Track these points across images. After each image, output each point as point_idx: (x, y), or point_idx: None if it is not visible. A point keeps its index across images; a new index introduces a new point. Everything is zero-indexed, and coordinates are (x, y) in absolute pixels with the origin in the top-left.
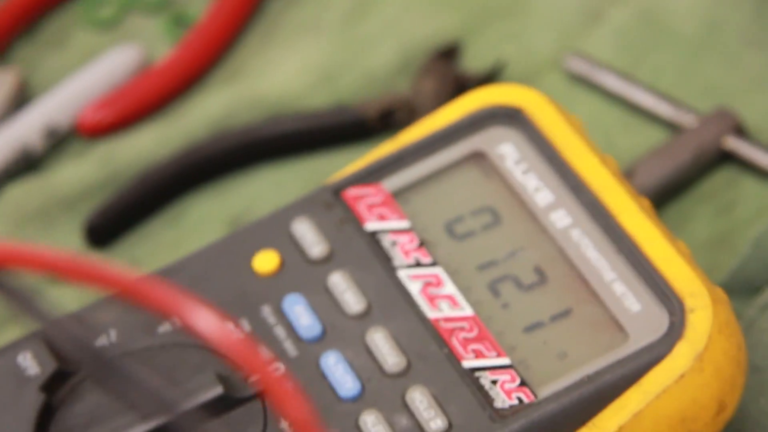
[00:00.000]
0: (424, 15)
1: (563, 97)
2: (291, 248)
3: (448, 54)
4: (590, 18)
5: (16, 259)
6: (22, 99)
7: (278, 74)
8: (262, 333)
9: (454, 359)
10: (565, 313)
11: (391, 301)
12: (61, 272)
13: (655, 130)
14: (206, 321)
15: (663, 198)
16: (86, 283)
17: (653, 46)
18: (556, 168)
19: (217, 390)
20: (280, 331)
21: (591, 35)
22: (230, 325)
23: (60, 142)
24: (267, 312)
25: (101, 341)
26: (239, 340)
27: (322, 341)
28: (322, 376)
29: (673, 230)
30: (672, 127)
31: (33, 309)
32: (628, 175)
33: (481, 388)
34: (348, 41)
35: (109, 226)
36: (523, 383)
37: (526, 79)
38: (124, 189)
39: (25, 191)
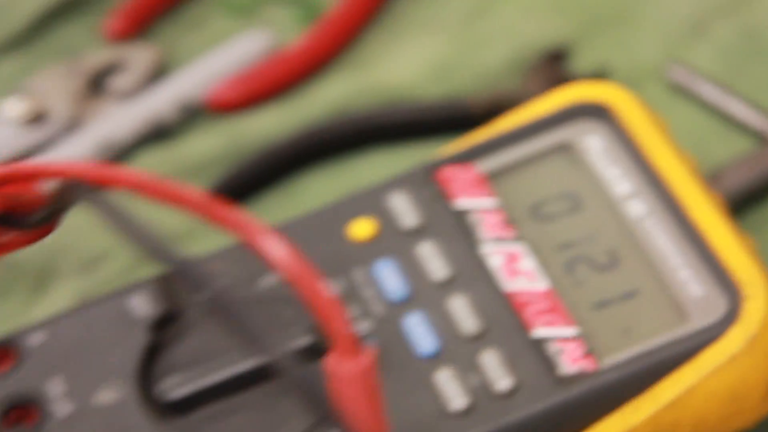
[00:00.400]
0: (538, 19)
1: (663, 104)
2: (386, 218)
3: (557, 57)
4: (695, 30)
5: (118, 180)
6: (159, 74)
7: (397, 66)
8: (350, 292)
9: (525, 327)
10: (633, 294)
11: (472, 272)
12: (157, 195)
13: (749, 141)
14: (277, 247)
15: (747, 202)
16: (177, 205)
17: (754, 61)
18: (636, 161)
19: (308, 338)
20: (367, 292)
21: (694, 47)
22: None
23: (191, 116)
24: (357, 274)
25: (210, 287)
26: (299, 262)
27: (406, 303)
28: (403, 335)
29: (755, 232)
30: (765, 139)
31: (160, 251)
32: (714, 177)
33: (548, 355)
34: (465, 39)
35: (229, 195)
36: (587, 353)
37: (630, 85)
38: (246, 162)
39: (157, 159)
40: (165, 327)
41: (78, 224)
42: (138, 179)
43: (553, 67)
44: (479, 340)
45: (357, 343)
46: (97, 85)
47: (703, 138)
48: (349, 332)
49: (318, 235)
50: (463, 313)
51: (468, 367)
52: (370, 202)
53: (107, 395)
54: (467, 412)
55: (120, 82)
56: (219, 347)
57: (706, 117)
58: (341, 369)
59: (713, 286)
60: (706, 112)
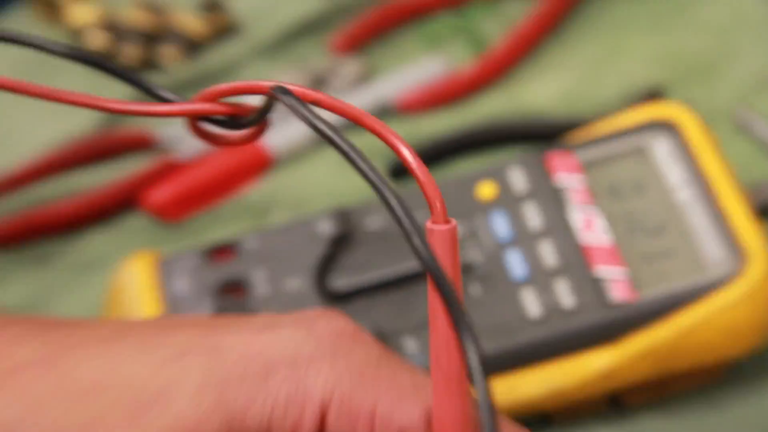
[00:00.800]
0: (644, 67)
1: (729, 139)
2: (504, 184)
3: (653, 95)
4: (763, 83)
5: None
6: (364, 81)
7: (537, 92)
8: (471, 232)
9: (589, 267)
10: (669, 252)
11: (560, 227)
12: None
13: None
14: (407, 150)
15: None
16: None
17: None
18: (689, 163)
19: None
20: (483, 233)
21: (762, 96)
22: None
23: (384, 114)
24: (478, 220)
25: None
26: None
27: (509, 243)
28: (504, 264)
29: None
30: None
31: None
32: (752, 186)
33: (602, 286)
34: (590, 77)
35: (404, 168)
36: (632, 289)
37: (706, 120)
38: (420, 147)
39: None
40: (339, 243)
41: (290, 180)
42: (333, 103)
43: (650, 102)
44: (556, 272)
45: (447, 213)
46: (317, 84)
47: (755, 168)
48: (444, 207)
49: (455, 191)
50: (547, 253)
51: (545, 290)
52: (496, 172)
53: (294, 284)
54: (540, 321)
55: (334, 84)
56: (374, 260)
57: (763, 154)
58: (438, 228)
59: (727, 252)
60: (764, 150)
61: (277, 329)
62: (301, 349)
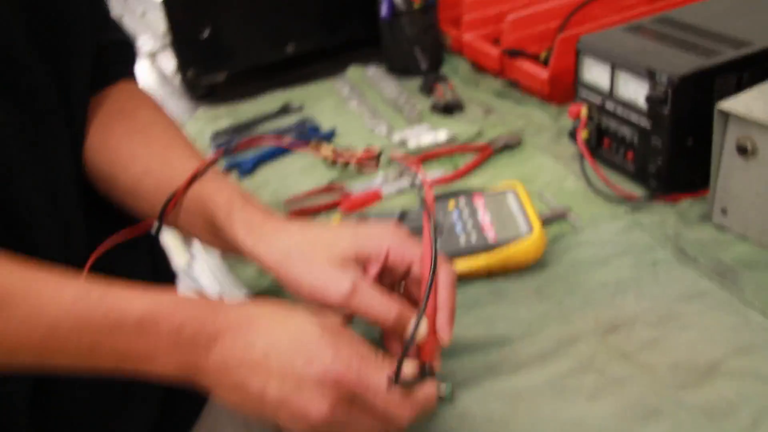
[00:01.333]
0: (509, 177)
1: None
2: (458, 201)
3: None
4: (547, 188)
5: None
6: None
7: (472, 182)
8: (444, 217)
9: (483, 230)
10: (510, 224)
11: (474, 217)
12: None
13: None
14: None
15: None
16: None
17: None
18: (518, 200)
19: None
20: (447, 218)
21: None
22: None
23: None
24: (446, 214)
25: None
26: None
27: (457, 221)
28: (454, 227)
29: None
30: None
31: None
32: (548, 212)
33: (487, 235)
34: (492, 179)
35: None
36: (496, 236)
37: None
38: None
39: None
40: (401, 218)
41: (386, 204)
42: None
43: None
44: (471, 231)
45: (434, 209)
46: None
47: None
48: (434, 208)
49: (440, 203)
50: (468, 225)
51: (466, 236)
52: (454, 196)
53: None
54: (464, 244)
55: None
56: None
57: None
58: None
59: (527, 226)
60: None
61: (375, 226)
62: (386, 231)
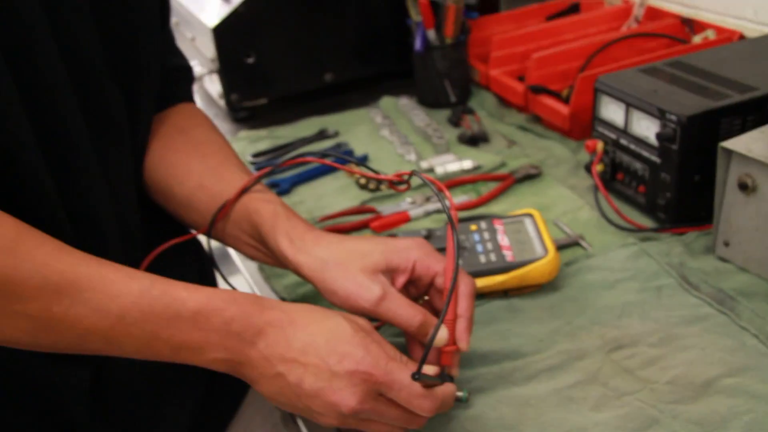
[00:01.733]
0: (527, 206)
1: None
2: (479, 225)
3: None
4: (562, 217)
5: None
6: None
7: (494, 209)
8: (466, 238)
9: (502, 250)
10: (526, 247)
11: (494, 239)
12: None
13: None
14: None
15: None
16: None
17: None
18: (535, 226)
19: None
20: (470, 239)
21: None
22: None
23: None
24: (469, 235)
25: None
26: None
27: (478, 242)
28: (475, 248)
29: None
30: None
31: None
32: (562, 239)
33: (505, 255)
34: (511, 206)
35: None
36: (513, 257)
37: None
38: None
39: None
40: (427, 237)
41: (414, 224)
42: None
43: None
44: (490, 251)
45: (458, 232)
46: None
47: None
48: (456, 230)
49: (462, 226)
50: (489, 246)
51: (487, 256)
52: (476, 221)
53: None
54: (484, 264)
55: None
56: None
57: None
58: (454, 234)
59: (543, 249)
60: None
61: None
62: (414, 245)
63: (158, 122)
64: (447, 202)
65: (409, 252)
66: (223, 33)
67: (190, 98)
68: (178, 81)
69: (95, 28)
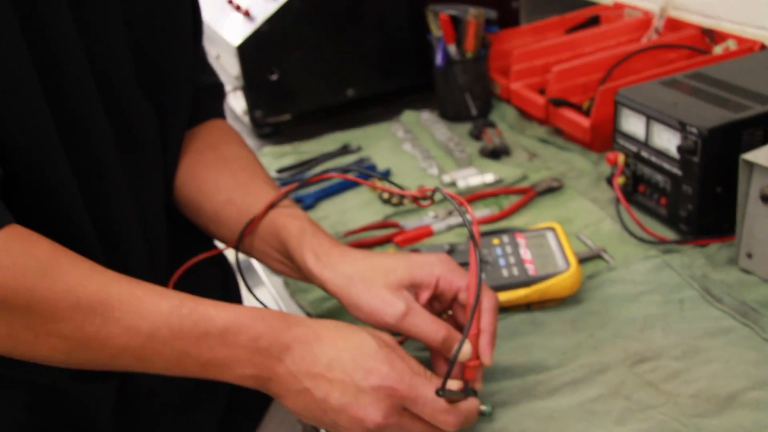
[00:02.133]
0: (548, 219)
1: (573, 240)
2: (501, 240)
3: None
4: (584, 229)
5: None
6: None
7: (515, 222)
8: (488, 252)
9: (524, 264)
10: (549, 260)
11: (516, 253)
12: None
13: None
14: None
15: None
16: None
17: None
18: (557, 239)
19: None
20: (492, 253)
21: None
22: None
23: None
24: (491, 249)
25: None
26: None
27: (501, 256)
28: (498, 261)
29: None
30: None
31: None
32: (583, 252)
33: (527, 268)
34: (533, 219)
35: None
36: (536, 270)
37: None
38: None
39: None
40: (450, 251)
41: (437, 239)
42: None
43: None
44: (513, 265)
45: (480, 247)
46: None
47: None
48: (479, 244)
49: (485, 240)
50: (511, 259)
51: (509, 270)
52: (498, 235)
53: None
54: (507, 278)
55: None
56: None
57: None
58: (477, 249)
59: (565, 262)
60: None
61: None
62: (437, 261)
63: (189, 138)
64: (469, 217)
65: (432, 268)
66: (247, 51)
67: (221, 114)
68: (210, 98)
69: (128, 47)
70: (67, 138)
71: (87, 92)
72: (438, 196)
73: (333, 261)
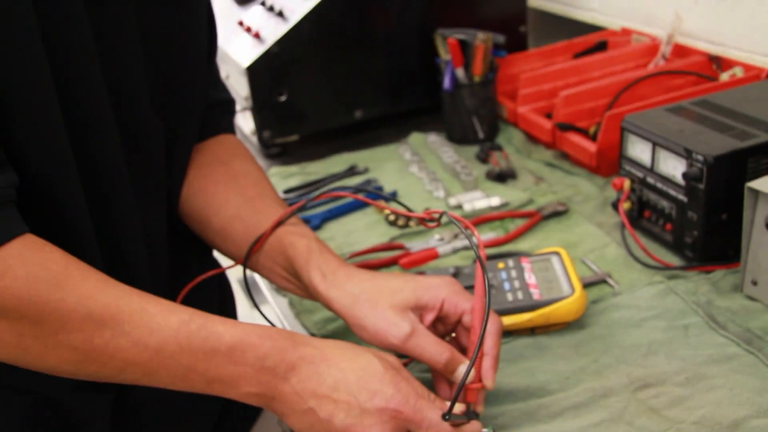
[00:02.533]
0: (555, 244)
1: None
2: (506, 264)
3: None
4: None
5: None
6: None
7: (521, 245)
8: (494, 276)
9: (528, 288)
10: (554, 285)
11: (521, 277)
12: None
13: None
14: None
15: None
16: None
17: None
18: (562, 263)
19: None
20: (497, 277)
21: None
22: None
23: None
24: (497, 272)
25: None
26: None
27: (506, 280)
28: (503, 285)
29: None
30: None
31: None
32: (588, 277)
33: (532, 293)
34: (539, 244)
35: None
36: (540, 295)
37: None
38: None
39: None
40: (455, 275)
41: (443, 261)
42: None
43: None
44: (518, 289)
45: (486, 271)
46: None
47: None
48: (485, 268)
49: (490, 264)
50: (516, 284)
51: (514, 294)
52: (503, 259)
53: None
54: (511, 303)
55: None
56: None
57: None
58: (481, 273)
59: (570, 287)
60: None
61: (433, 278)
62: (442, 283)
63: (198, 152)
64: (475, 240)
65: (438, 290)
66: (256, 72)
67: (231, 130)
68: (220, 113)
69: (144, 65)
70: (78, 148)
71: (100, 104)
72: (444, 219)
73: (339, 280)
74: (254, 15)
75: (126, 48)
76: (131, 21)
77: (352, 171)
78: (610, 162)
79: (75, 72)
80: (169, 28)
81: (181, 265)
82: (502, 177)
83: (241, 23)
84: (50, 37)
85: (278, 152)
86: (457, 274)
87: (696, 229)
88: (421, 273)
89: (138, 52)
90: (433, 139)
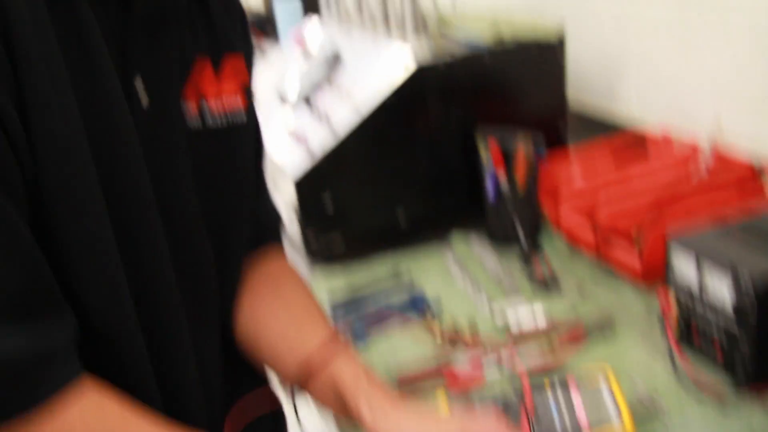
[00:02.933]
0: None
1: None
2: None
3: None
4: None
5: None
6: None
7: (579, 366)
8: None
9: (579, 422)
10: (603, 414)
11: (571, 409)
12: None
13: None
14: None
15: None
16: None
17: None
18: (609, 389)
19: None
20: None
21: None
22: None
23: None
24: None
25: None
26: None
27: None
28: (555, 424)
29: None
30: None
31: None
32: (640, 399)
33: (581, 426)
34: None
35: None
36: (585, 419)
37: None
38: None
39: None
40: (506, 409)
41: None
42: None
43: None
44: (568, 429)
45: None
46: None
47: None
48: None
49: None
50: (566, 419)
51: (563, 428)
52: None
53: None
54: None
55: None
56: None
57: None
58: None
59: (617, 411)
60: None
61: (480, 421)
62: (489, 426)
63: (248, 268)
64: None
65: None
66: (305, 185)
67: (279, 242)
68: (268, 224)
69: (195, 185)
70: (132, 273)
71: (153, 224)
72: (490, 335)
73: (385, 413)
74: (301, 119)
75: (179, 169)
76: (185, 152)
77: (395, 276)
78: (657, 273)
79: (135, 213)
80: (220, 155)
81: (235, 387)
82: (545, 284)
83: (291, 133)
84: (102, 158)
85: (323, 253)
86: (506, 407)
87: (747, 356)
88: (470, 403)
89: (189, 173)
90: (476, 242)
